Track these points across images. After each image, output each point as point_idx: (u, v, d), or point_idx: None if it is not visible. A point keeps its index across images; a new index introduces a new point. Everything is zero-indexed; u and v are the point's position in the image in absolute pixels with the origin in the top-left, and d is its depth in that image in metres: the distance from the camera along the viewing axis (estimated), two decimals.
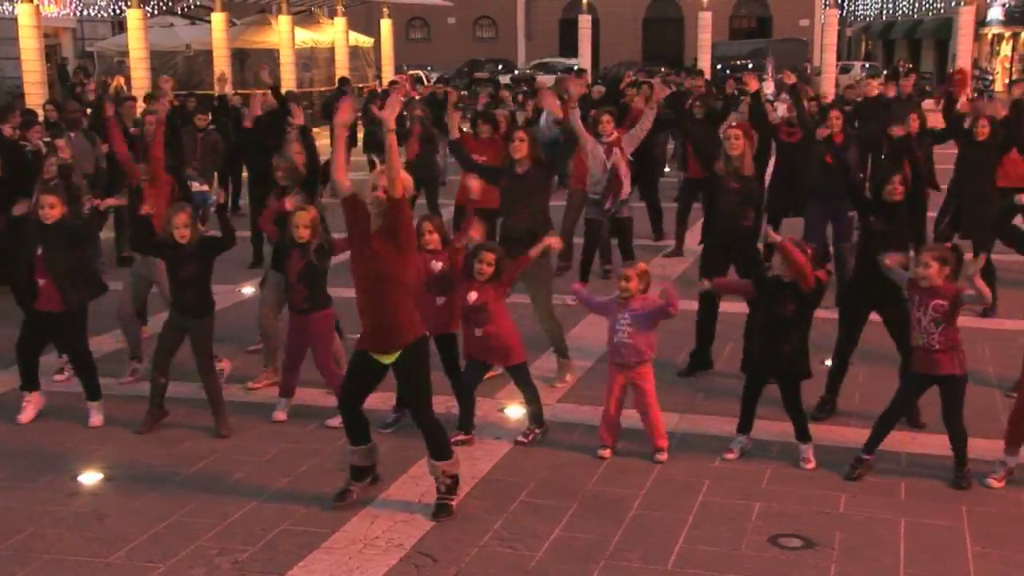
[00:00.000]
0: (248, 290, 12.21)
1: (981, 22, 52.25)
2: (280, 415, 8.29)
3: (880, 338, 8.42)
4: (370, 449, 6.79)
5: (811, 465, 7.30)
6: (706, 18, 40.16)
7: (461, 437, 7.64)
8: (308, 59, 36.73)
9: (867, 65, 52.17)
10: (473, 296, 7.61)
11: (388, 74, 39.13)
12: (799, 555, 6.13)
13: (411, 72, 40.80)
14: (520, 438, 7.77)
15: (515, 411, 8.26)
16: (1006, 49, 57.30)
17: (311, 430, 8.08)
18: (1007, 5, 54.16)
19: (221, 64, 30.48)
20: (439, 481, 6.62)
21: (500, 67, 53.37)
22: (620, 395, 7.54)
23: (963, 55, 36.78)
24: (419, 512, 6.61)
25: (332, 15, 38.81)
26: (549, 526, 6.47)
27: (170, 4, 37.99)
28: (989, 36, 57.60)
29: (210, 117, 16.26)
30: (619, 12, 62.83)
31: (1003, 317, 10.72)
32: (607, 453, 7.53)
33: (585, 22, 43.30)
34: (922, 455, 7.42)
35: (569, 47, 53.62)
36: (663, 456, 7.46)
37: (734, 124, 9.83)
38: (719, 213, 9.29)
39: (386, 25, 42.43)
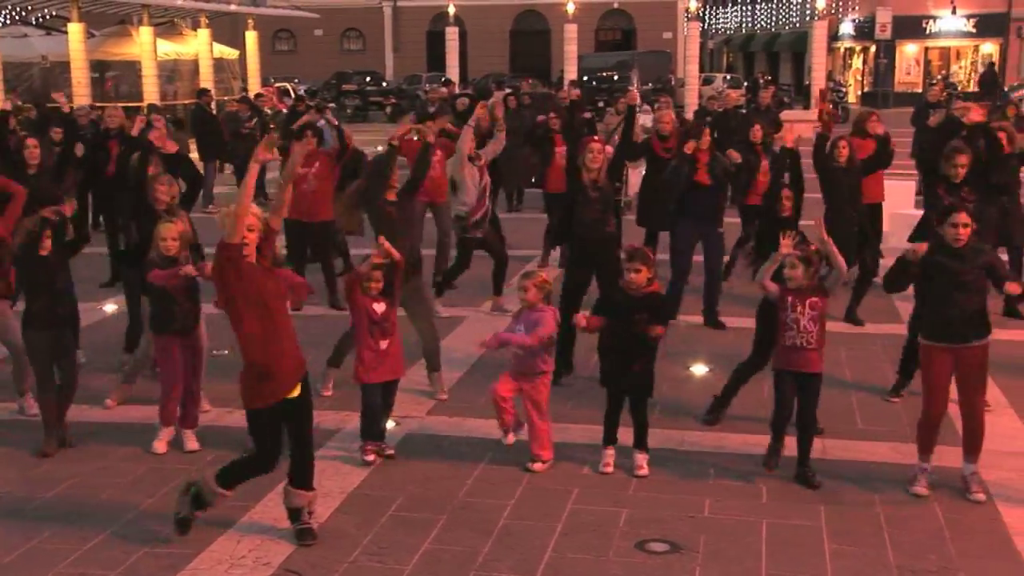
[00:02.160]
0: (111, 307, 11.90)
1: (834, 36, 54.02)
2: (161, 446, 7.95)
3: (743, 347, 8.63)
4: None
5: (644, 472, 7.41)
6: (572, 30, 40.58)
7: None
8: (171, 71, 36.01)
9: (728, 77, 53.46)
10: (381, 308, 7.60)
11: (254, 86, 38.60)
12: (665, 560, 6.24)
13: (278, 84, 40.34)
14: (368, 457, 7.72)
15: (390, 424, 8.24)
16: (857, 62, 59.37)
17: (174, 450, 7.91)
18: (857, 21, 56.08)
19: (79, 76, 29.67)
20: (303, 508, 6.49)
21: (368, 79, 53.10)
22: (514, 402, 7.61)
23: (818, 68, 37.95)
24: (286, 530, 6.53)
25: (195, 27, 38.13)
26: (419, 539, 6.46)
27: (24, 14, 36.84)
28: (842, 50, 59.58)
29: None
30: (486, 24, 63.10)
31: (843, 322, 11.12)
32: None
33: (452, 34, 43.37)
34: (786, 458, 7.55)
35: (437, 59, 53.66)
36: (539, 466, 7.52)
37: (595, 137, 10.02)
38: (582, 223, 9.46)
39: (251, 37, 41.88)
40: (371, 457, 7.63)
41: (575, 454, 7.76)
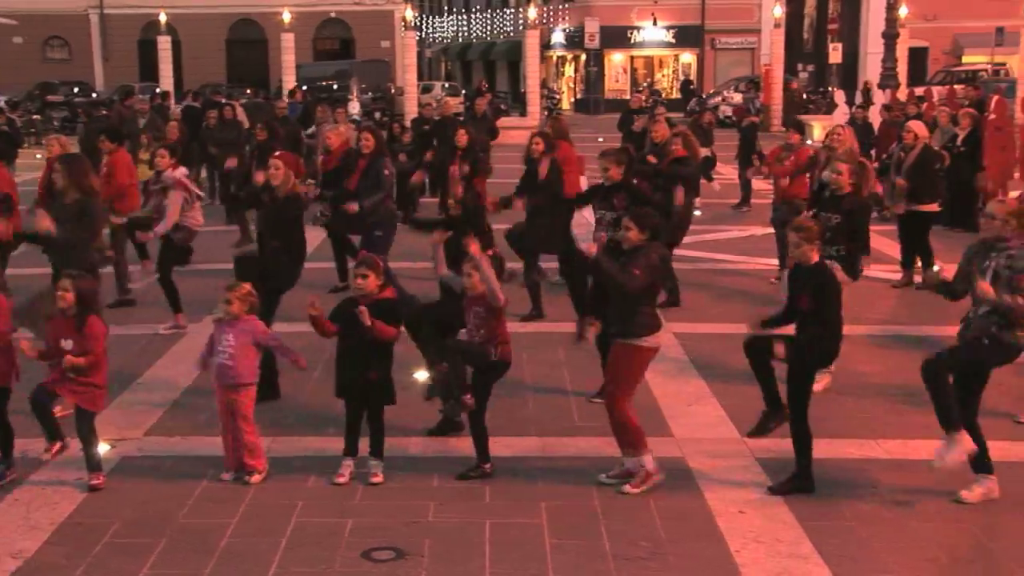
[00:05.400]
0: None
1: (546, 45, 55.78)
2: None
3: None
4: None
5: (379, 479, 7.45)
6: (289, 40, 40.17)
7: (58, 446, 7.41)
8: None
9: (447, 85, 54.28)
10: (69, 343, 7.20)
11: None
12: (391, 567, 6.29)
13: None
14: (95, 481, 7.37)
15: (105, 448, 7.93)
16: (569, 70, 61.55)
17: None
18: (567, 30, 58.11)
19: None
20: None
21: (76, 90, 50.72)
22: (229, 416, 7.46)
23: (531, 76, 39.06)
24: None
25: None
26: (136, 565, 6.25)
27: None
28: (554, 58, 61.59)
29: None
30: (201, 33, 61.36)
31: (568, 321, 11.46)
32: (228, 476, 7.46)
33: (165, 43, 42.10)
34: (507, 458, 7.75)
35: (150, 69, 51.79)
36: (256, 478, 7.43)
37: (277, 154, 10.01)
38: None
39: None
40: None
41: (298, 466, 7.69)
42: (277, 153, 10.13)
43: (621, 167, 9.72)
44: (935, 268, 13.31)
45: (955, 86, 31.01)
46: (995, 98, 19.77)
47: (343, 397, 7.57)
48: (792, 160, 12.84)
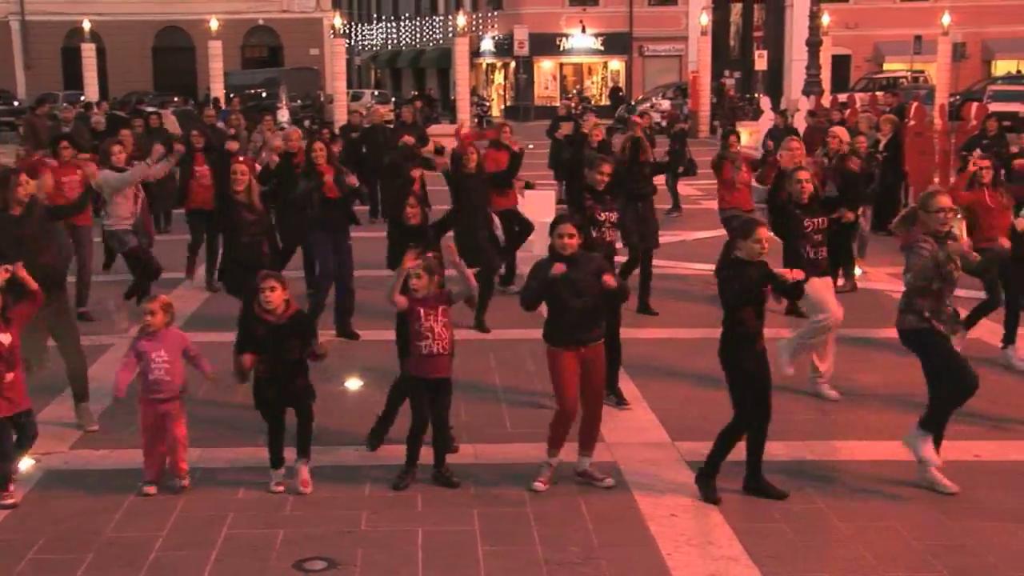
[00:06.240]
0: None
1: (476, 53, 55.85)
2: None
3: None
4: None
5: (308, 489, 7.41)
6: (216, 47, 39.77)
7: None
8: None
9: (376, 92, 54.14)
10: (7, 339, 7.14)
11: None
12: None
13: None
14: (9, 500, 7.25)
15: (27, 463, 7.80)
16: (499, 77, 61.69)
17: None
18: (496, 38, 58.25)
19: None
20: None
21: None
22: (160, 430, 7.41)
23: (461, 83, 39.08)
24: None
25: None
26: None
27: None
28: (484, 65, 61.70)
29: None
30: (126, 41, 60.51)
31: (506, 327, 11.47)
32: (152, 489, 7.38)
33: (89, 51, 41.46)
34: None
35: (74, 77, 50.98)
36: (185, 482, 7.39)
37: (241, 159, 9.89)
38: (239, 246, 9.36)
39: None
40: (11, 501, 7.18)
41: (228, 478, 7.62)
42: (241, 159, 9.97)
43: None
44: (857, 272, 13.57)
45: (877, 93, 31.56)
46: (914, 104, 20.14)
47: (263, 410, 7.52)
48: (746, 168, 13.02)
